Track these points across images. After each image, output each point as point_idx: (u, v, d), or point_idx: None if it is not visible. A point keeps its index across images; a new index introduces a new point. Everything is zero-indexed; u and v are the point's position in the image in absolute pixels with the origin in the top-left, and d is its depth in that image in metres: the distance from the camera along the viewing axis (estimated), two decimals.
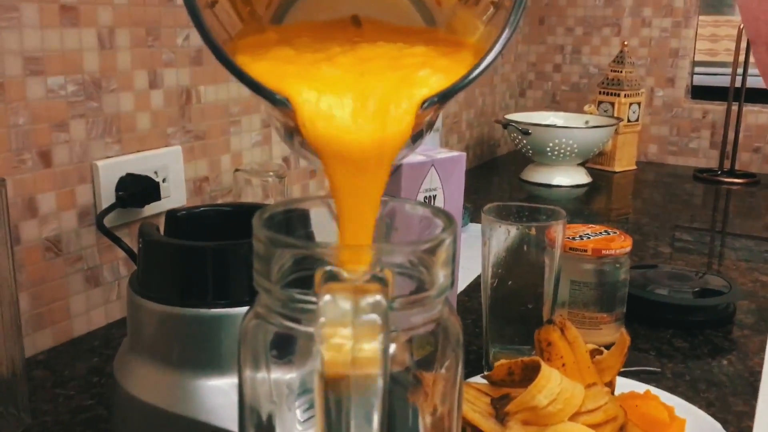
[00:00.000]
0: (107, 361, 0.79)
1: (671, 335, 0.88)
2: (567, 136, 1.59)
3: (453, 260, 0.31)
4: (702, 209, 1.54)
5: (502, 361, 0.63)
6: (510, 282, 0.73)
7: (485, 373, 0.65)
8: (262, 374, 0.36)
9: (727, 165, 1.81)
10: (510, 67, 1.99)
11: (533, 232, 0.71)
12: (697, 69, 1.93)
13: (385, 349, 0.26)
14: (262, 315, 0.33)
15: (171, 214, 0.61)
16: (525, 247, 0.71)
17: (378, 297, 0.27)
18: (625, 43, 1.79)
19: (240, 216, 0.64)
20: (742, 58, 1.77)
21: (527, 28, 2.04)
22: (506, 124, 1.64)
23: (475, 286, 1.01)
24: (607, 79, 1.80)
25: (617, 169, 1.81)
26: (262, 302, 0.33)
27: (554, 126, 1.64)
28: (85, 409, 0.70)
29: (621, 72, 1.78)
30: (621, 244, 0.82)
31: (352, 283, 0.27)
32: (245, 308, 0.36)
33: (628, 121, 1.79)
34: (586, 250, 0.81)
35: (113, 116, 0.86)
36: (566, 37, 2.00)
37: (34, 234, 0.79)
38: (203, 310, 0.53)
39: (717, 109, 1.88)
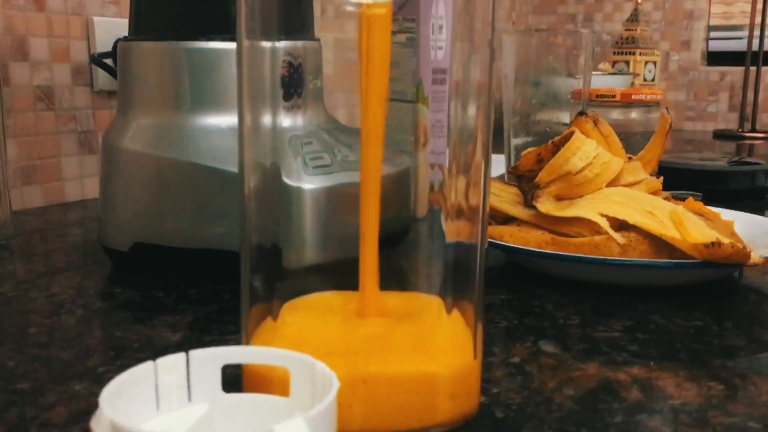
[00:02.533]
0: None
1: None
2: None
3: None
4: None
5: (529, 149, 0.57)
6: (534, 100, 0.67)
7: (510, 167, 0.59)
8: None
9: (747, 127, 1.76)
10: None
11: (559, 40, 0.66)
12: (713, 34, 1.89)
13: None
14: None
15: None
16: (551, 58, 0.66)
17: None
18: (639, 1, 1.75)
19: None
20: (758, 20, 1.73)
21: None
22: None
23: None
24: (622, 38, 1.76)
25: None
26: None
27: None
28: (75, 237, 0.64)
29: (635, 30, 1.74)
30: (652, 92, 0.76)
31: None
32: None
33: (644, 80, 1.75)
34: (614, 96, 0.76)
35: None
36: (578, 6, 1.97)
37: (25, 78, 0.74)
38: (202, 44, 0.48)
39: (735, 70, 1.83)
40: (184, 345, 0.39)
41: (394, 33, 0.47)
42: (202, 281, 0.49)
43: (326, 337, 0.29)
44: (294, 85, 0.48)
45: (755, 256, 0.43)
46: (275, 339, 0.29)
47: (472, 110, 0.31)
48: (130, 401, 0.24)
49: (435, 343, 0.29)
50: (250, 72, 0.30)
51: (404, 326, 0.30)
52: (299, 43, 0.48)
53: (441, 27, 0.44)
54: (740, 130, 1.74)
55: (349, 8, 0.30)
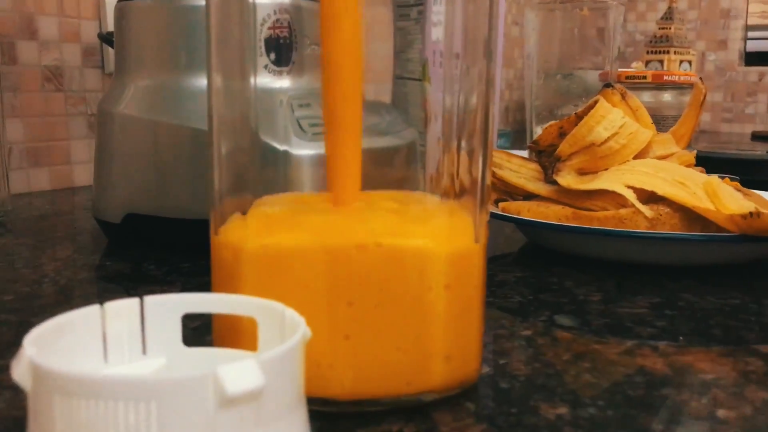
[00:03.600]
0: None
1: None
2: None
3: None
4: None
5: (551, 122, 0.54)
6: (558, 76, 0.64)
7: (531, 141, 0.55)
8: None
9: None
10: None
11: (585, 12, 0.62)
12: (751, 33, 1.83)
13: None
14: None
15: None
16: (575, 31, 0.62)
17: None
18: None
19: None
20: None
21: None
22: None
23: None
24: (655, 37, 1.71)
25: None
26: None
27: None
28: (76, 218, 0.62)
29: (670, 29, 1.69)
30: (685, 72, 0.72)
31: None
32: None
33: None
34: (645, 77, 0.72)
35: None
36: None
37: (33, 58, 0.72)
38: (199, 0, 0.45)
39: None
40: None
41: (410, 6, 0.44)
42: (198, 254, 0.46)
43: (301, 223, 0.25)
44: (283, 46, 0.45)
45: None
46: (245, 230, 0.25)
47: (470, 94, 0.28)
48: (70, 349, 0.21)
49: (428, 220, 0.26)
50: (223, 26, 0.27)
51: (391, 209, 0.26)
52: (287, 1, 0.44)
53: None
54: None
55: None
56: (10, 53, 0.71)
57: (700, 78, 0.55)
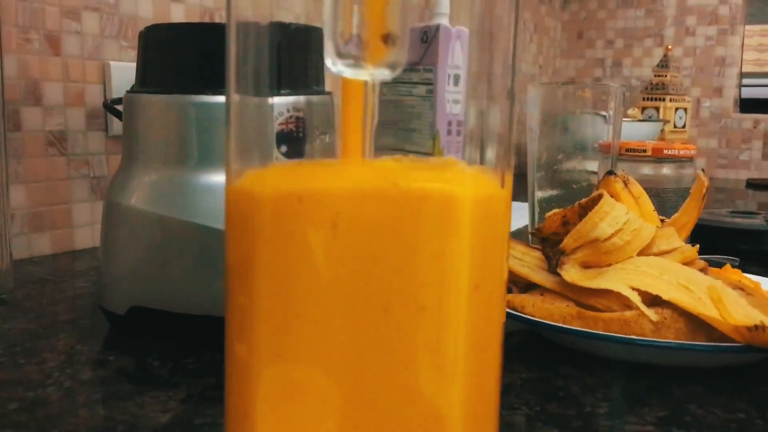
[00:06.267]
0: None
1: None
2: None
3: None
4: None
5: (555, 210, 0.54)
6: (560, 156, 0.64)
7: (533, 228, 0.55)
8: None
9: None
10: (547, 81, 1.94)
11: (587, 94, 0.63)
12: (745, 81, 1.85)
13: None
14: None
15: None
16: (577, 112, 0.63)
17: None
18: (669, 47, 1.72)
19: None
20: None
21: (566, 43, 1.99)
22: None
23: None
24: (651, 84, 1.73)
25: None
26: None
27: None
28: (78, 291, 0.62)
29: (666, 76, 1.71)
30: (685, 146, 0.73)
31: None
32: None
33: (675, 127, 1.71)
34: (645, 150, 0.72)
35: (129, 19, 0.81)
36: (606, 50, 1.95)
37: (37, 123, 0.73)
38: (210, 98, 0.46)
39: None
40: (172, 428, 0.36)
41: (414, 84, 0.44)
42: (202, 348, 0.46)
43: (315, 172, 0.26)
44: (296, 140, 0.45)
45: None
46: (262, 180, 0.25)
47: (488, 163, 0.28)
48: None
49: (452, 171, 0.25)
50: (240, 128, 0.27)
51: (409, 165, 0.26)
52: (302, 98, 0.45)
53: (458, 78, 0.42)
54: None
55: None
56: (15, 119, 0.71)
57: (702, 169, 0.55)
